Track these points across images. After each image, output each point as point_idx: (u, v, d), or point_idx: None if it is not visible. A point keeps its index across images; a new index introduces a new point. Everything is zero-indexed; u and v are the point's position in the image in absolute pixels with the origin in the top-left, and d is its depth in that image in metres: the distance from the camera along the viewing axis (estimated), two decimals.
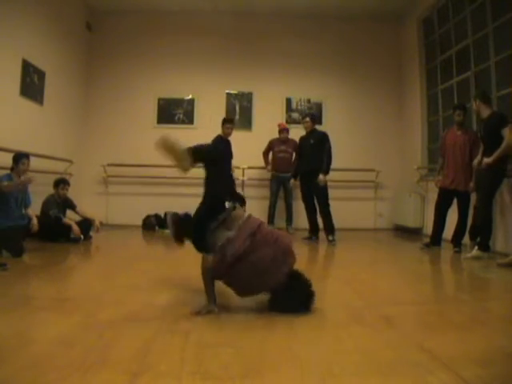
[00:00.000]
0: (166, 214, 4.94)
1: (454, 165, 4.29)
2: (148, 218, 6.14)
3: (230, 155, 4.82)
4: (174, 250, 4.70)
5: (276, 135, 5.89)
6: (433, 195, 4.87)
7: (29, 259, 3.52)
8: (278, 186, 5.86)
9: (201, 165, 2.32)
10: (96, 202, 6.41)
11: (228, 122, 5.29)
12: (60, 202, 4.62)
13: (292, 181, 5.64)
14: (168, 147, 2.22)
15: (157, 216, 6.14)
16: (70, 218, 4.69)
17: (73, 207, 4.76)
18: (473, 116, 4.76)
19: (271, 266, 1.97)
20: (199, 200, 2.33)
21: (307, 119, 5.18)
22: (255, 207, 5.30)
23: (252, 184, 6.39)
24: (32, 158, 4.14)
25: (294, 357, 1.49)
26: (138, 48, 6.69)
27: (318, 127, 5.27)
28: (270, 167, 5.79)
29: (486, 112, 3.87)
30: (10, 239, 3.51)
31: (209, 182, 2.31)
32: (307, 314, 1.99)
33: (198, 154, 2.27)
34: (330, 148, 4.90)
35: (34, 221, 3.90)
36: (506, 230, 4.09)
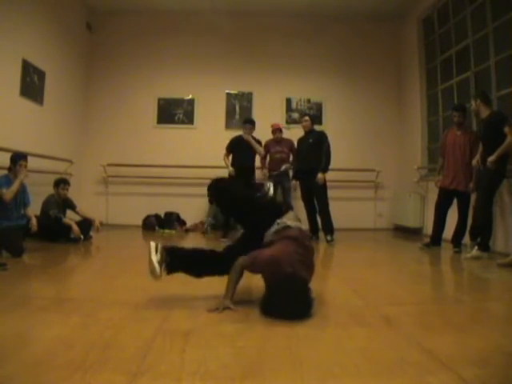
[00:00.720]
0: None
1: (453, 165, 4.29)
2: (148, 217, 6.13)
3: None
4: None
5: None
6: (433, 195, 4.87)
7: (29, 259, 3.52)
8: (275, 186, 5.82)
9: None
10: (96, 201, 6.42)
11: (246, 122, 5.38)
12: (60, 202, 4.62)
13: (293, 182, 5.58)
14: None
15: (157, 216, 6.14)
16: (70, 218, 4.69)
17: (73, 207, 4.76)
18: (473, 116, 4.76)
19: (286, 258, 1.99)
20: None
21: (306, 118, 5.18)
22: None
23: None
24: (32, 158, 4.15)
25: (294, 357, 1.48)
26: (137, 48, 6.69)
27: (317, 127, 5.27)
28: (266, 171, 5.65)
29: (485, 112, 3.87)
30: (9, 239, 3.51)
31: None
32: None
33: None
34: (328, 147, 4.90)
35: (34, 221, 3.90)
36: (506, 230, 4.09)
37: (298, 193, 5.35)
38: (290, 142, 5.57)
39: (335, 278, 3.20)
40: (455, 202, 4.34)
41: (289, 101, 6.79)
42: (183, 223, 6.17)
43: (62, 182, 4.66)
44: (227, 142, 5.36)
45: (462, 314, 2.13)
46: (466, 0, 5.04)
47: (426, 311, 2.18)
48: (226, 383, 1.28)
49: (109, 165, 6.44)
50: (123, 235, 5.63)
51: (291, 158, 5.57)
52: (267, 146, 5.62)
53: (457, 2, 5.32)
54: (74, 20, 6.17)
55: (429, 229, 4.88)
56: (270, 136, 5.66)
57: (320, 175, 4.82)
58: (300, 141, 5.25)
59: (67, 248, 4.19)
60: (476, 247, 3.83)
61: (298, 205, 5.52)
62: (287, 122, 6.61)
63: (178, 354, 1.48)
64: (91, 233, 4.68)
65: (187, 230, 6.06)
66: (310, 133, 5.12)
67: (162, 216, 6.17)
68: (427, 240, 4.60)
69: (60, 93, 5.77)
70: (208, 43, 6.67)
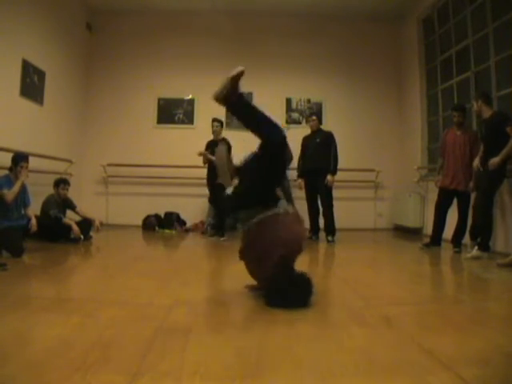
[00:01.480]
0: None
1: (453, 165, 4.29)
2: (148, 218, 6.13)
3: None
4: (173, 251, 4.71)
5: None
6: (433, 195, 4.87)
7: (29, 259, 3.51)
8: None
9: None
10: (96, 202, 6.42)
11: None
12: (60, 202, 4.62)
13: (299, 180, 5.57)
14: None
15: (157, 216, 6.14)
16: (70, 218, 4.69)
17: (73, 207, 4.76)
18: (473, 116, 4.76)
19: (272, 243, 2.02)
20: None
21: (314, 117, 5.19)
22: None
23: None
24: (32, 158, 4.14)
25: (294, 357, 1.48)
26: (138, 48, 6.69)
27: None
28: None
29: (487, 112, 3.87)
30: (9, 239, 3.51)
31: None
32: (307, 313, 2.00)
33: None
34: (336, 148, 4.91)
35: (34, 221, 3.89)
36: (506, 230, 4.09)
37: (298, 192, 5.35)
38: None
39: (335, 278, 3.20)
40: (455, 201, 4.34)
41: (289, 101, 6.79)
42: (183, 223, 6.17)
43: (61, 182, 4.66)
44: None
45: (461, 314, 2.13)
46: (466, 0, 5.04)
47: (426, 311, 2.18)
48: (225, 383, 1.28)
49: (109, 165, 6.44)
50: (123, 235, 5.63)
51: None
52: None
53: (457, 2, 5.32)
54: (74, 20, 6.17)
55: (429, 229, 4.88)
56: None
57: (329, 177, 4.84)
58: (306, 139, 5.24)
59: (67, 248, 4.19)
60: (476, 247, 3.83)
61: (300, 204, 5.51)
62: (287, 122, 6.61)
63: (177, 354, 1.47)
64: (91, 233, 4.68)
65: (187, 230, 6.06)
66: (317, 132, 5.13)
67: (162, 216, 6.17)
68: (427, 240, 4.60)
69: (60, 93, 5.77)
70: (208, 43, 6.67)
